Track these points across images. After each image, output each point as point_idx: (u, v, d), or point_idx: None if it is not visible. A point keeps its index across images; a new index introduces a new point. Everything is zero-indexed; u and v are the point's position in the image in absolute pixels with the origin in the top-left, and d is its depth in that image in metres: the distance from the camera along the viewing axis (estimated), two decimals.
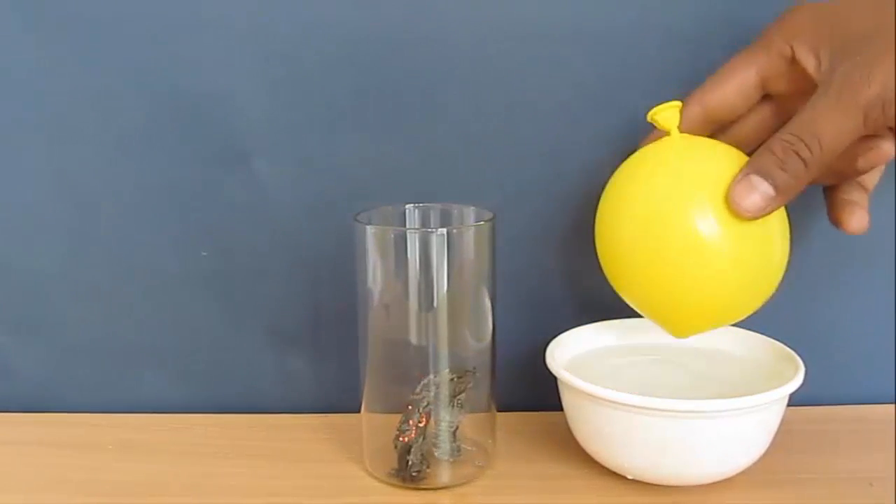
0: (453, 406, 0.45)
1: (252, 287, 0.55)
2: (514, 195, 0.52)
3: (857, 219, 0.46)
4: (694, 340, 0.51)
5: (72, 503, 0.45)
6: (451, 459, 0.46)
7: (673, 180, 0.42)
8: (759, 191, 0.40)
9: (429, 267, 0.43)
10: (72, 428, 0.54)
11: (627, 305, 0.53)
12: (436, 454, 0.46)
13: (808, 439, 0.49)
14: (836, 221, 0.46)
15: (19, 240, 0.54)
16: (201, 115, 0.52)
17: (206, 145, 0.52)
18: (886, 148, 0.43)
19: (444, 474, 0.46)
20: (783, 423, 0.44)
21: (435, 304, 0.44)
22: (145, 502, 0.45)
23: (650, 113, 0.44)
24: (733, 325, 0.50)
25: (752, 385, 0.44)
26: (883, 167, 0.47)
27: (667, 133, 0.44)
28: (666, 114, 0.43)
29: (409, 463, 0.45)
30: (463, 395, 0.45)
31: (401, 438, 0.45)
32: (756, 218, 0.41)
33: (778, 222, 0.43)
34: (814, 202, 0.52)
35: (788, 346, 0.47)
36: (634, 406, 0.41)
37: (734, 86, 0.45)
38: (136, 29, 0.51)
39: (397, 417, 0.46)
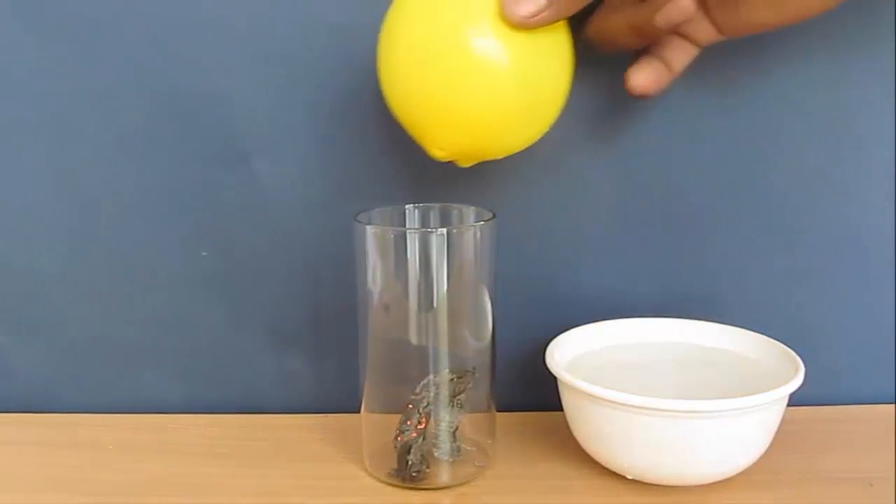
0: (453, 406, 0.45)
1: (252, 287, 0.55)
2: (514, 195, 0.52)
3: (641, 74, 0.44)
4: (694, 340, 0.51)
5: (72, 503, 0.45)
6: (451, 459, 0.46)
7: None
8: None
9: (429, 267, 0.43)
10: (72, 428, 0.54)
11: (628, 306, 0.53)
12: (436, 454, 0.46)
13: (808, 439, 0.49)
14: (625, 80, 0.45)
15: (19, 240, 0.54)
16: (201, 115, 0.52)
17: (206, 145, 0.52)
18: (683, 2, 0.41)
19: (444, 474, 0.46)
20: (783, 423, 0.44)
21: (435, 304, 0.44)
22: (145, 502, 0.45)
23: None
24: (731, 325, 0.50)
25: (752, 385, 0.44)
26: (692, 51, 0.45)
27: None
28: None
29: (409, 463, 0.45)
30: (463, 395, 0.45)
31: (400, 438, 0.45)
32: (526, 27, 0.40)
33: (558, 58, 0.42)
34: (813, 201, 0.53)
35: (788, 346, 0.47)
36: (634, 406, 0.41)
37: None
38: (136, 29, 0.51)
39: (397, 417, 0.46)
